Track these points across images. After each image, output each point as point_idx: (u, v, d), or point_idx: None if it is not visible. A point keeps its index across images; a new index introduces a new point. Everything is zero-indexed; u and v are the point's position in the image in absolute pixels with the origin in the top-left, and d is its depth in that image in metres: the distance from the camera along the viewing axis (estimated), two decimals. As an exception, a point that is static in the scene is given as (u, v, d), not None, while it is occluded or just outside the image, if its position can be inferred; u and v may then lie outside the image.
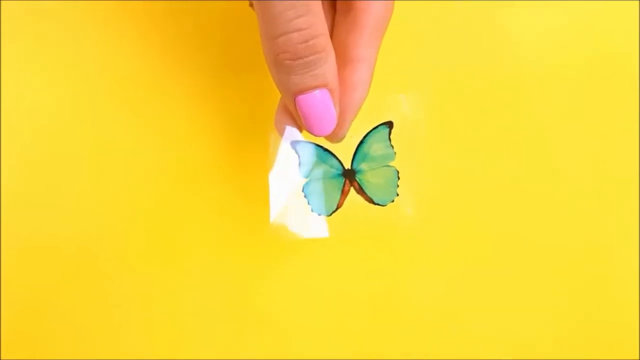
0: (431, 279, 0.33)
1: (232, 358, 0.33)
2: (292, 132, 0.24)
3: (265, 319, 0.33)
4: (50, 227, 0.33)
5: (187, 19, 0.33)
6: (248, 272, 0.33)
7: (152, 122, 0.33)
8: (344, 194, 0.25)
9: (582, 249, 0.33)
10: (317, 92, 0.22)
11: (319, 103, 0.23)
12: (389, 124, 0.25)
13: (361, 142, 0.25)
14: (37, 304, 0.33)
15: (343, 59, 0.24)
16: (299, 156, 0.24)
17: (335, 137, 0.25)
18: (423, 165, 0.33)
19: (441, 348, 0.33)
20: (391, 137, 0.25)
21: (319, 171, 0.25)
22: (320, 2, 0.21)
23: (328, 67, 0.22)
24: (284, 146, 0.24)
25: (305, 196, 0.24)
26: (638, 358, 0.33)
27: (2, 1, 0.32)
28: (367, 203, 0.25)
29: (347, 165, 0.25)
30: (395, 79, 0.33)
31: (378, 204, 0.25)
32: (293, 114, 0.24)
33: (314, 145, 0.24)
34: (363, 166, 0.26)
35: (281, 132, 0.24)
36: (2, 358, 0.32)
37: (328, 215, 0.25)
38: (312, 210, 0.24)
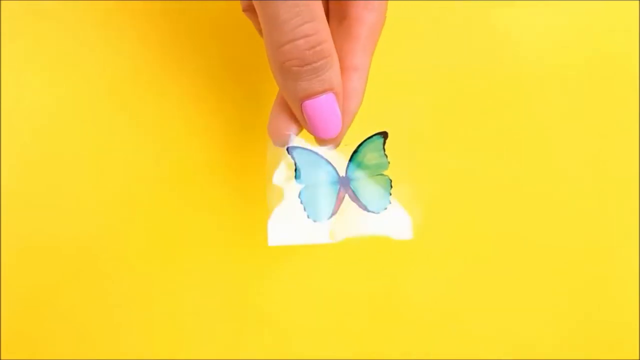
0: (431, 279, 0.33)
1: (232, 358, 0.33)
2: (294, 138, 0.24)
3: (265, 319, 0.33)
4: (50, 227, 0.33)
5: (186, 20, 0.33)
6: (248, 272, 0.33)
7: (151, 122, 0.33)
8: (338, 200, 0.25)
9: (582, 249, 0.33)
10: (323, 96, 0.23)
11: (326, 107, 0.23)
12: (384, 135, 0.25)
13: (356, 151, 0.26)
14: (37, 304, 0.33)
15: None
16: (295, 162, 0.24)
17: (332, 142, 0.25)
18: (423, 165, 0.33)
19: (441, 348, 0.33)
20: (385, 147, 0.25)
21: (315, 178, 0.25)
22: (322, 8, 0.22)
23: (334, 71, 0.23)
24: (281, 152, 0.24)
25: (301, 202, 0.25)
26: (638, 358, 0.33)
27: (2, 1, 0.32)
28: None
29: (342, 173, 0.25)
30: (396, 79, 0.33)
31: (372, 212, 0.25)
32: (299, 119, 0.24)
33: (310, 152, 0.25)
34: (357, 174, 0.26)
35: (276, 137, 0.25)
36: (2, 358, 0.33)
37: (323, 222, 0.25)
38: (308, 217, 0.25)
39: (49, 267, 0.33)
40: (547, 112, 0.33)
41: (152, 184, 0.33)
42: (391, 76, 0.33)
